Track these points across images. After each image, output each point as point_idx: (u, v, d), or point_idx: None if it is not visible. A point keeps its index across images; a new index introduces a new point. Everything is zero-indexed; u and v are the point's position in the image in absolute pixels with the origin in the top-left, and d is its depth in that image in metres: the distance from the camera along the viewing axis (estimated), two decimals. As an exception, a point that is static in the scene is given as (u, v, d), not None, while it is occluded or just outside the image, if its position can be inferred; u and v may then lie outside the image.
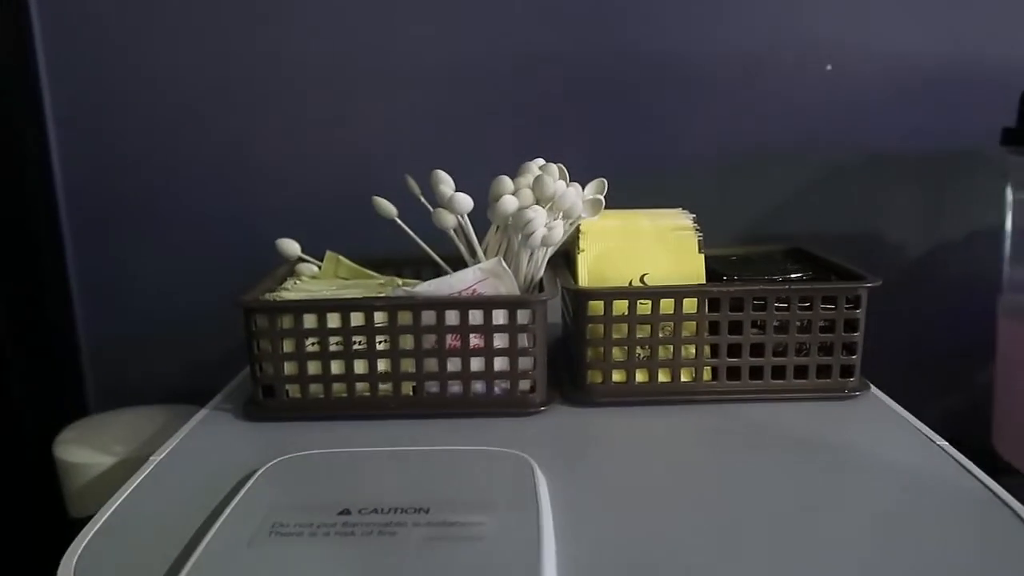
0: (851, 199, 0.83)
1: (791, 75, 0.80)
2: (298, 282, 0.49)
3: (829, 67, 0.81)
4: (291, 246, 0.50)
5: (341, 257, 0.51)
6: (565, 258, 0.51)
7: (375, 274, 0.51)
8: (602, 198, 0.46)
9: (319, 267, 0.51)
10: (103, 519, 0.34)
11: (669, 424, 0.43)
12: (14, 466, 0.57)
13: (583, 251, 0.47)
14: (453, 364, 0.43)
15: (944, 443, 0.40)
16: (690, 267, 0.47)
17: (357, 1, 0.74)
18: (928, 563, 0.29)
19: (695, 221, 0.49)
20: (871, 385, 0.46)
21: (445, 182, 0.43)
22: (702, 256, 0.47)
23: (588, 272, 0.47)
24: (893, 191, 0.84)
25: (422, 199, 0.46)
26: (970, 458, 0.40)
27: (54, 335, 0.70)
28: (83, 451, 0.49)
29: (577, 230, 0.48)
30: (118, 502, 0.35)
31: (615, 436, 0.42)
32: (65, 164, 0.77)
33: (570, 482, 0.36)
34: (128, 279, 0.78)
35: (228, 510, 0.32)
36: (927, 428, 0.42)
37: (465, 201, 0.42)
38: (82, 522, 0.33)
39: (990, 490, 0.35)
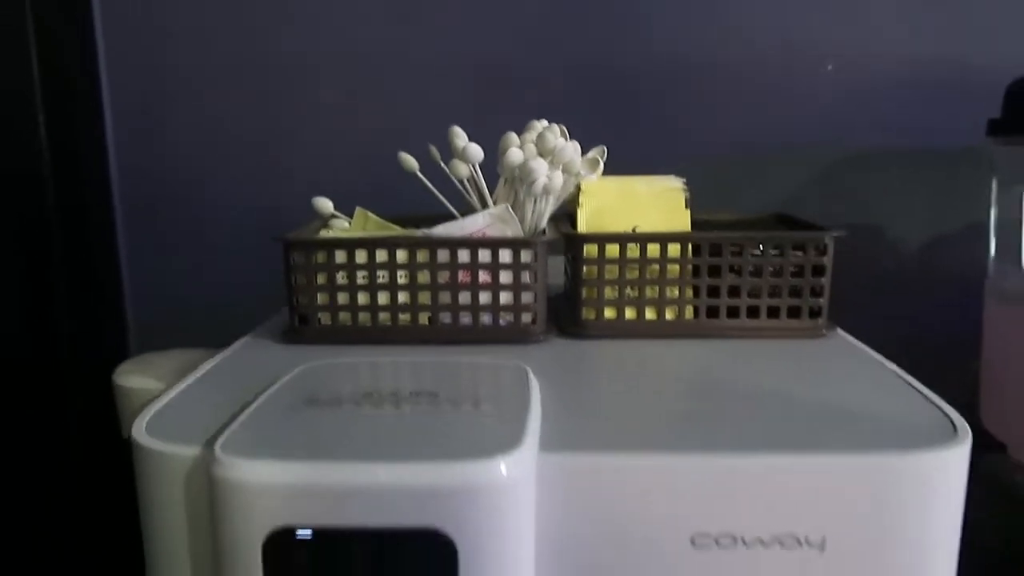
0: (849, 194, 0.88)
1: (791, 73, 0.86)
2: (330, 233, 0.56)
3: (830, 67, 0.87)
4: (325, 204, 0.57)
5: (370, 213, 0.58)
6: (569, 219, 0.57)
7: (399, 228, 0.58)
8: (599, 158, 0.53)
9: (349, 223, 0.58)
10: (163, 402, 0.40)
11: (653, 353, 0.48)
12: (69, 395, 0.64)
13: (582, 206, 0.53)
14: (464, 297, 0.49)
15: (896, 367, 0.45)
16: (678, 222, 0.53)
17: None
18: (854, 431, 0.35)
19: (685, 185, 0.55)
20: (838, 328, 0.52)
21: (459, 136, 0.49)
22: (688, 211, 0.53)
23: (586, 223, 0.53)
24: (891, 186, 0.89)
25: (441, 163, 0.53)
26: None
27: (102, 287, 0.76)
28: (140, 379, 0.56)
29: (578, 189, 0.54)
30: (175, 391, 0.42)
31: (604, 360, 0.47)
32: (119, 150, 0.85)
33: (559, 384, 0.42)
34: (171, 244, 0.86)
35: (269, 391, 0.39)
36: (889, 361, 0.46)
37: (476, 150, 0.48)
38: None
39: (938, 408, 0.39)
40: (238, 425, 0.34)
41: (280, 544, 0.31)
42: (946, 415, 0.37)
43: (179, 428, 0.36)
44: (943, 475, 0.34)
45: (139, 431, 0.36)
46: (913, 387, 0.42)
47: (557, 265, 0.54)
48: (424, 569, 0.31)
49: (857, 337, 0.50)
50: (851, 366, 0.46)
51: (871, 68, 0.85)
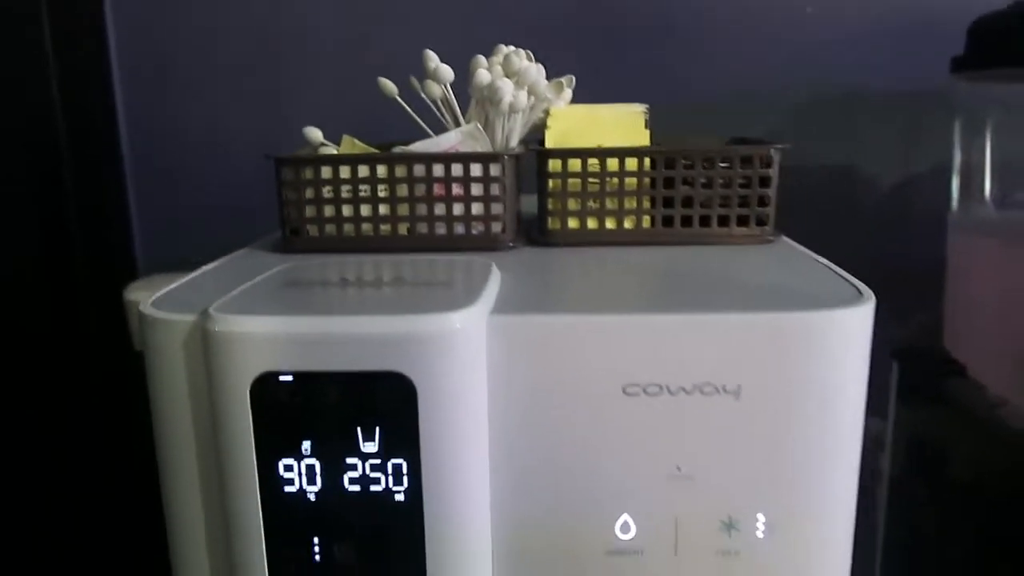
0: (828, 135, 0.92)
1: (771, 14, 0.89)
2: (319, 158, 0.60)
3: (809, 9, 0.90)
4: (315, 133, 0.62)
5: (356, 140, 0.62)
6: (539, 143, 0.62)
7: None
8: (564, 82, 0.57)
9: (337, 150, 0.63)
10: (166, 290, 0.45)
11: (612, 256, 0.53)
12: (82, 314, 0.69)
13: (549, 128, 0.58)
14: (439, 209, 0.54)
15: (827, 262, 0.49)
16: (638, 141, 0.58)
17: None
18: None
19: (647, 110, 0.59)
20: (783, 236, 0.56)
21: (431, 58, 0.54)
22: (648, 131, 0.58)
23: (553, 143, 0.57)
24: (868, 127, 0.92)
25: (422, 94, 0.57)
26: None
27: (110, 209, 0.81)
28: (148, 295, 0.61)
29: (547, 114, 0.59)
30: (177, 283, 0.47)
31: (565, 262, 0.52)
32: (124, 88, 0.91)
33: (520, 277, 0.46)
34: (175, 175, 0.92)
35: (258, 278, 0.44)
36: (822, 258, 0.51)
37: (447, 71, 0.53)
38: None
39: (851, 284, 0.43)
40: (229, 297, 0.40)
41: (265, 387, 0.36)
42: (857, 288, 0.42)
43: (180, 304, 0.41)
44: (846, 332, 0.38)
45: (147, 307, 0.41)
46: (835, 272, 0.46)
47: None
48: (389, 407, 0.36)
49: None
50: (787, 261, 0.50)
51: (848, 11, 0.89)
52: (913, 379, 0.90)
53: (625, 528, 0.39)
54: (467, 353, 0.36)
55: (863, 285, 0.42)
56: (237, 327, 0.36)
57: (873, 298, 0.40)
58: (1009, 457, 0.70)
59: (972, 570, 0.74)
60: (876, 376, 1.00)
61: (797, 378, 0.38)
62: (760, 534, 0.39)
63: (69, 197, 0.71)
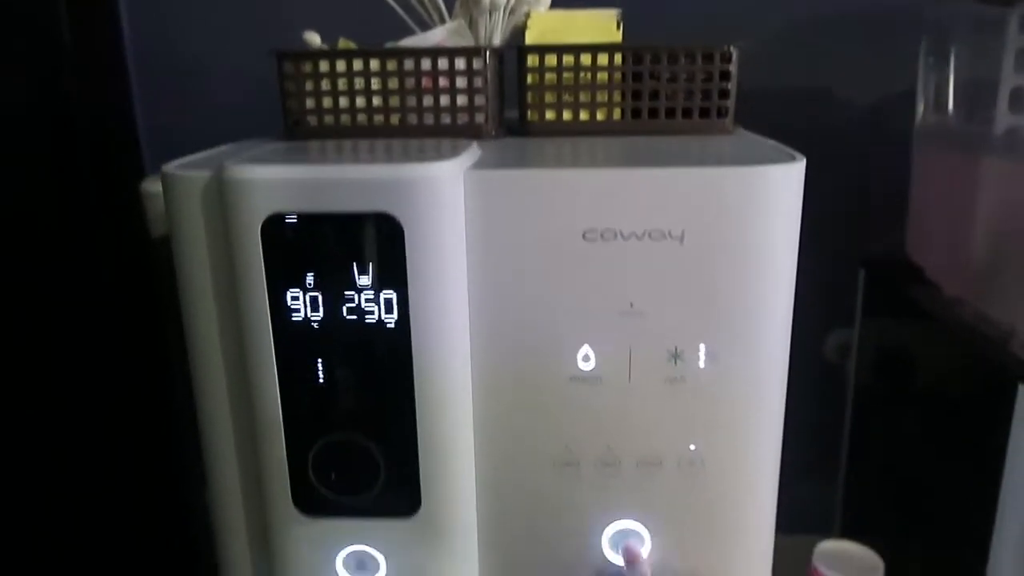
0: (801, 57, 0.96)
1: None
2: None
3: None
4: (313, 36, 0.66)
5: (351, 43, 0.67)
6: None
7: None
8: (543, -13, 0.62)
9: (334, 54, 0.68)
10: (183, 161, 0.51)
11: (585, 143, 0.58)
12: (100, 207, 0.74)
13: (529, 28, 0.63)
14: (427, 100, 0.59)
15: (780, 144, 0.55)
16: (611, 40, 0.63)
17: None
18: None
19: (620, 13, 0.64)
20: (742, 127, 0.61)
21: (419, -41, 0.58)
22: (620, 32, 0.63)
23: (532, 42, 0.62)
24: (840, 46, 0.97)
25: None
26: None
27: (116, 112, 0.85)
28: (162, 187, 0.67)
29: (527, 18, 0.63)
30: (191, 157, 0.52)
31: (541, 147, 0.57)
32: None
33: (499, 154, 0.52)
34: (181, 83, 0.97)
35: (267, 146, 0.49)
36: (782, 145, 0.55)
37: (433, -29, 0.57)
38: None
39: (791, 155, 0.48)
40: (241, 156, 0.45)
41: (273, 227, 0.42)
42: (792, 155, 0.47)
43: (196, 167, 0.47)
44: (778, 186, 0.44)
45: (168, 168, 0.47)
46: (778, 146, 0.51)
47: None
48: (380, 246, 0.42)
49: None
50: (740, 143, 0.56)
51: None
52: (879, 287, 0.96)
53: (585, 358, 0.45)
54: (447, 199, 0.42)
55: (799, 153, 0.47)
56: (249, 174, 0.42)
57: (804, 160, 0.45)
58: (966, 355, 0.76)
59: (929, 466, 0.81)
60: (844, 287, 1.06)
61: (735, 226, 0.44)
62: (702, 363, 0.45)
63: (75, 101, 0.75)
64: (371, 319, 0.43)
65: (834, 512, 1.05)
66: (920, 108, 0.91)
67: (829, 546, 0.71)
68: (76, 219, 0.72)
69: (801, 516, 0.74)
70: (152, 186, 0.68)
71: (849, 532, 0.78)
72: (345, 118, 0.60)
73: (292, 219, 0.42)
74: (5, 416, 0.68)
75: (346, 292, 0.43)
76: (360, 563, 0.47)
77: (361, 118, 0.60)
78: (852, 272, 1.00)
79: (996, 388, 0.65)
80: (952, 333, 0.77)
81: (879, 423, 0.96)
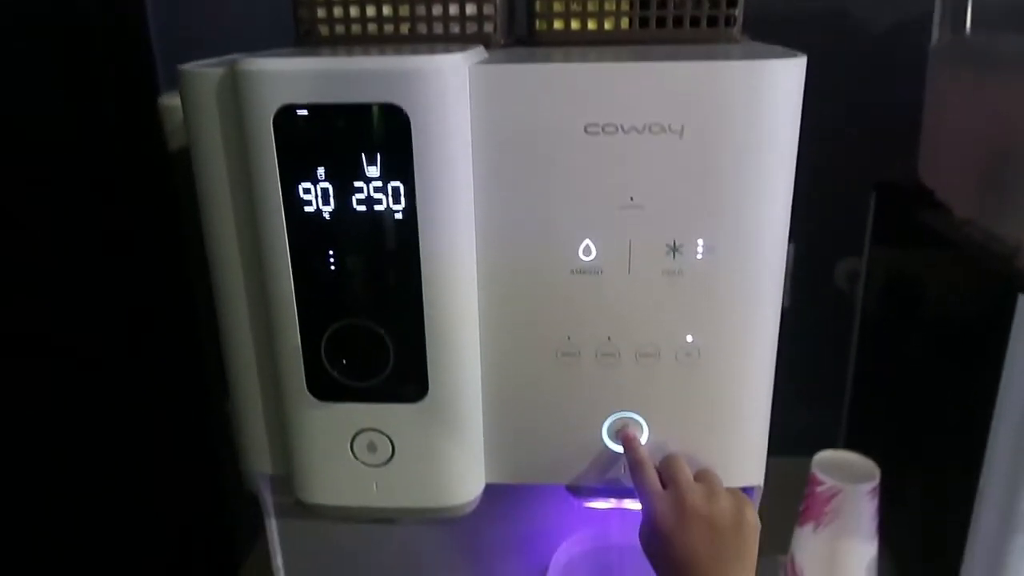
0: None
1: None
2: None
3: None
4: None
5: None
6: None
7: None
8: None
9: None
10: (199, 64, 0.52)
11: (594, 51, 0.59)
12: (118, 123, 0.76)
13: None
14: (436, 9, 0.60)
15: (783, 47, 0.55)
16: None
17: None
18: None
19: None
20: (748, 36, 0.62)
21: None
22: (630, -59, 0.63)
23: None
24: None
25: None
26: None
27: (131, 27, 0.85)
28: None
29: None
30: (205, 62, 0.53)
31: (549, 53, 0.58)
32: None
33: (507, 59, 0.53)
34: None
35: (280, 49, 0.51)
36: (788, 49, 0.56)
37: None
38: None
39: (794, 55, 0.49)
40: (254, 54, 0.47)
41: (285, 118, 0.43)
42: (794, 53, 0.47)
43: (211, 66, 0.48)
44: (777, 81, 0.45)
45: (185, 67, 0.48)
46: (780, 47, 0.51)
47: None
48: (387, 136, 0.44)
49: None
50: (747, 48, 0.56)
51: None
52: (890, 211, 0.97)
53: (587, 251, 0.47)
54: (453, 92, 0.44)
55: (799, 52, 0.48)
56: (262, 66, 0.43)
57: (804, 57, 0.46)
58: (972, 274, 0.76)
59: (931, 385, 0.83)
60: (856, 215, 1.07)
61: (734, 120, 0.45)
62: (699, 256, 0.47)
63: (90, 16, 0.76)
64: (379, 208, 0.45)
65: (838, 436, 1.07)
66: (936, 29, 0.89)
67: (828, 455, 0.73)
68: (95, 135, 0.74)
69: (806, 440, 0.76)
70: (169, 100, 0.70)
71: (851, 450, 0.80)
72: (355, 27, 0.61)
73: (303, 110, 0.43)
74: (22, 322, 0.71)
75: (355, 183, 0.44)
76: (371, 445, 0.50)
77: (371, 27, 0.61)
78: (864, 201, 1.00)
79: (998, 302, 0.66)
80: (960, 253, 0.78)
81: (885, 348, 0.97)
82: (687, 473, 0.48)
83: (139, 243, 0.80)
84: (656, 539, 0.46)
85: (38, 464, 0.76)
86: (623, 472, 0.51)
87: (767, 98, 0.45)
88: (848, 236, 1.03)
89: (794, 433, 0.78)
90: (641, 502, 0.47)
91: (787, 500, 0.74)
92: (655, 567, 0.47)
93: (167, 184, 0.77)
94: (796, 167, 0.47)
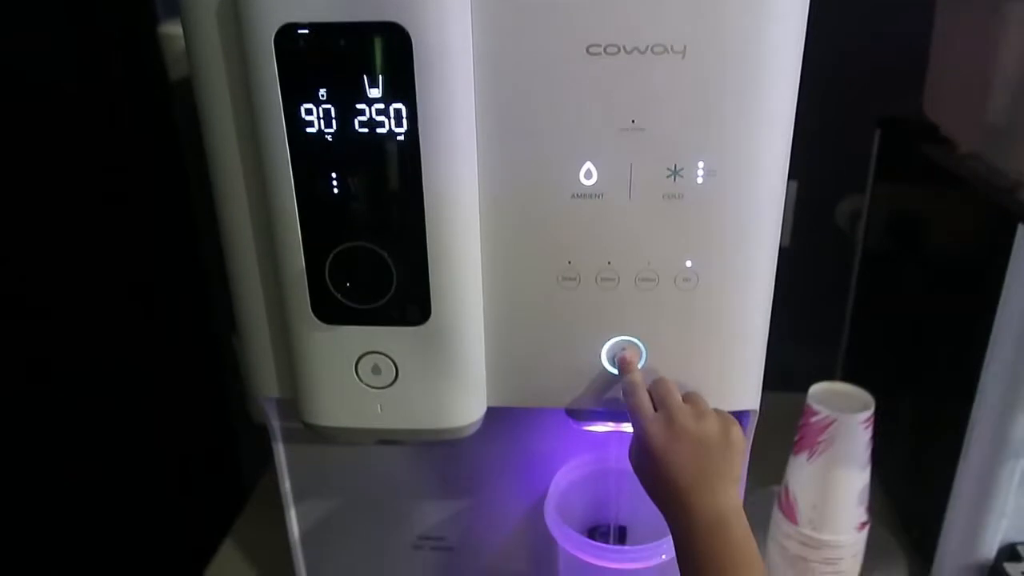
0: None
1: None
2: None
3: None
4: None
5: None
6: None
7: None
8: None
9: None
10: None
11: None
12: (119, 53, 0.76)
13: None
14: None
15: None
16: None
17: None
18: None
19: None
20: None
21: None
22: None
23: None
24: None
25: None
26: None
27: None
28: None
29: None
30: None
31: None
32: None
33: None
34: None
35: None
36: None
37: None
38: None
39: None
40: None
41: (286, 37, 0.43)
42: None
43: None
44: (780, 1, 0.44)
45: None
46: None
47: None
48: (389, 56, 0.43)
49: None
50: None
51: None
52: (894, 147, 0.96)
53: (588, 175, 0.47)
54: (454, 11, 0.43)
55: None
56: (260, -15, 0.43)
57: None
58: (974, 207, 0.76)
59: (929, 319, 0.83)
60: (860, 154, 1.06)
61: (736, 39, 0.44)
62: (700, 179, 0.47)
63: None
64: (382, 131, 0.45)
65: (835, 373, 1.09)
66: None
67: (823, 386, 0.74)
68: (94, 65, 0.73)
69: (804, 378, 0.77)
70: (169, 29, 0.69)
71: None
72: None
73: (304, 29, 0.43)
74: (27, 246, 0.72)
75: (357, 104, 0.44)
76: (375, 368, 0.51)
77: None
78: (867, 138, 0.99)
79: (998, 234, 0.66)
80: (963, 188, 0.78)
81: (884, 285, 0.98)
82: (676, 396, 0.49)
83: (140, 174, 0.80)
84: (646, 459, 0.47)
85: (48, 403, 0.77)
86: (621, 395, 0.52)
87: (771, 19, 0.44)
88: (850, 175, 1.03)
89: (792, 371, 0.79)
90: (633, 424, 0.49)
91: (784, 435, 0.75)
92: (646, 486, 0.48)
93: (168, 114, 0.76)
94: (799, 104, 0.47)
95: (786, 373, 0.73)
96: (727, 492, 0.46)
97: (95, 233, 0.78)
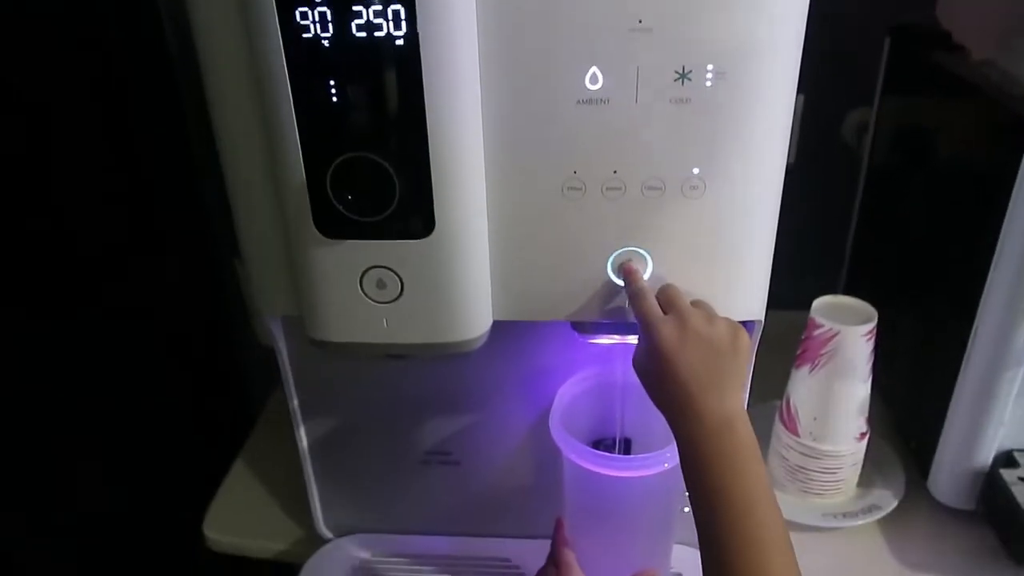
0: None
1: None
2: None
3: None
4: None
5: None
6: None
7: None
8: None
9: None
10: None
11: None
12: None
13: None
14: None
15: None
16: None
17: None
18: None
19: None
20: None
21: None
22: None
23: None
24: None
25: None
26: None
27: None
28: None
29: None
30: None
31: None
32: None
33: None
34: None
35: None
36: None
37: None
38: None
39: None
40: None
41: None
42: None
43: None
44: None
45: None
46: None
47: None
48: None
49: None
50: None
51: None
52: (904, 55, 0.93)
53: (593, 79, 0.46)
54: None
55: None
56: None
57: None
58: (985, 116, 0.75)
59: (935, 233, 0.82)
60: (867, 66, 1.03)
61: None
62: (708, 83, 0.46)
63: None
64: (380, 34, 0.43)
65: (838, 291, 1.09)
66: None
67: (826, 299, 0.74)
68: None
69: (808, 295, 0.77)
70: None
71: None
72: None
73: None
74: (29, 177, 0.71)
75: (354, 6, 0.43)
76: (380, 282, 0.51)
77: None
78: (876, 49, 0.97)
79: (1010, 142, 0.65)
80: (975, 96, 0.76)
81: (890, 199, 0.97)
82: (685, 300, 0.49)
83: (134, 92, 0.78)
84: (657, 362, 0.47)
85: (56, 335, 0.77)
86: (627, 306, 0.52)
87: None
88: (859, 87, 1.00)
89: (796, 289, 0.79)
90: (642, 328, 0.49)
91: (787, 351, 0.76)
92: (651, 391, 0.48)
93: (159, 28, 0.74)
94: (808, 13, 0.45)
95: (789, 291, 0.73)
96: (734, 396, 0.46)
97: (94, 166, 0.77)
